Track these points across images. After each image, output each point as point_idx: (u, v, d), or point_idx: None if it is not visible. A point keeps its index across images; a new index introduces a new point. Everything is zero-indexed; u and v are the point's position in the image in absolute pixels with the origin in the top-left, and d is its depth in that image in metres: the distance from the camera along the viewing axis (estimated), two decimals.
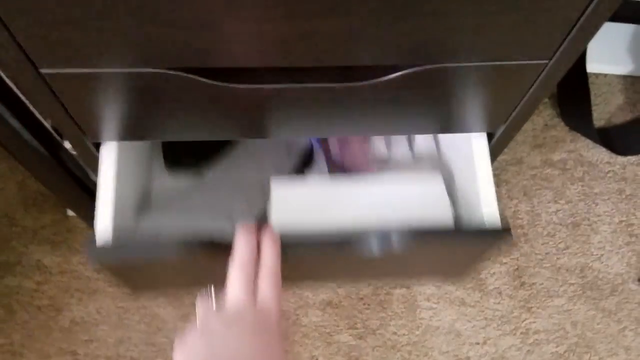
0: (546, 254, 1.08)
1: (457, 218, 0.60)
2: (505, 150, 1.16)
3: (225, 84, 0.46)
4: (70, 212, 1.09)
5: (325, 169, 0.68)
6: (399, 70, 0.46)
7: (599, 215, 1.10)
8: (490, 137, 0.59)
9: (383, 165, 0.69)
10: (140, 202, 0.65)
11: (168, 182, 0.68)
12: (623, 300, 1.05)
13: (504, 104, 0.52)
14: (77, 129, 0.53)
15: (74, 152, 0.71)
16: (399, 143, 0.69)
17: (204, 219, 0.61)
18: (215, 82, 0.46)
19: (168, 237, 0.49)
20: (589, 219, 1.10)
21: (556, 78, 0.49)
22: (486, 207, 0.55)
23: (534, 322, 1.04)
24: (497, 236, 0.51)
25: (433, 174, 0.64)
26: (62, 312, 1.04)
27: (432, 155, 0.70)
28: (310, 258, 0.53)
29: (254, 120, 0.53)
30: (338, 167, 0.63)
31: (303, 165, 0.67)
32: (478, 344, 1.01)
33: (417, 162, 0.70)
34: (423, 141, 0.69)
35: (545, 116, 1.18)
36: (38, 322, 1.04)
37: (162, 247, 0.49)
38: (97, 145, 0.58)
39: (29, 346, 1.02)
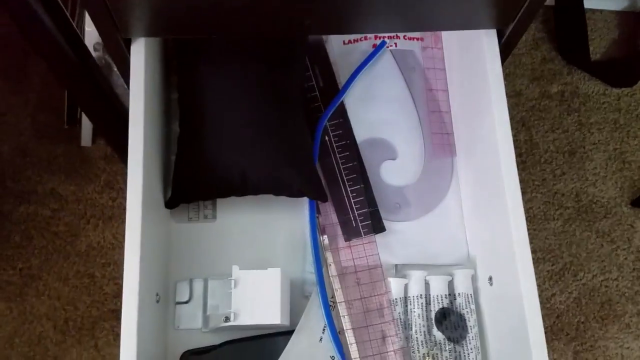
0: (543, 180, 1.13)
1: None
2: (504, 82, 1.20)
3: None
4: (84, 143, 1.12)
5: None
6: None
7: (594, 144, 1.15)
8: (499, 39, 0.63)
9: None
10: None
11: None
12: (616, 222, 1.10)
13: None
14: (111, 23, 0.56)
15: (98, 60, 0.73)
16: None
17: None
18: None
19: None
20: (584, 147, 1.15)
21: None
22: None
23: (531, 244, 1.08)
24: None
25: None
26: (79, 238, 1.08)
27: None
28: None
29: (281, 14, 0.56)
30: None
31: None
32: None
33: None
34: None
35: (543, 50, 1.21)
36: (55, 247, 1.08)
37: None
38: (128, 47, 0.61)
39: (47, 269, 1.06)
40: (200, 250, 0.67)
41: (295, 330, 0.62)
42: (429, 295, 0.65)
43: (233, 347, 0.62)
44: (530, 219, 1.10)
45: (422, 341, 0.62)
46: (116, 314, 1.04)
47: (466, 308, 0.63)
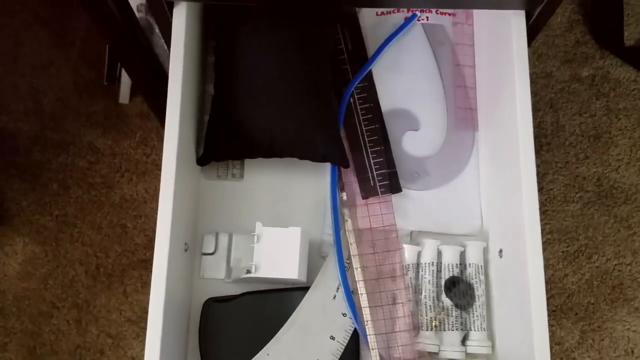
0: (566, 162, 1.14)
1: None
2: (536, 63, 1.21)
3: None
4: (122, 100, 1.17)
5: None
6: None
7: (620, 130, 1.16)
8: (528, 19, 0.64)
9: None
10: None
11: None
12: (635, 209, 1.11)
13: None
14: None
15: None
16: None
17: None
18: None
19: None
20: (610, 133, 1.15)
21: None
22: None
23: (548, 224, 1.11)
24: None
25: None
26: (113, 190, 1.13)
27: None
28: None
29: None
30: None
31: None
32: None
33: None
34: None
35: (577, 32, 1.21)
36: (90, 197, 1.13)
37: None
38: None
39: (82, 218, 1.12)
40: (227, 207, 0.71)
41: (311, 287, 0.66)
42: (441, 263, 0.68)
43: (252, 298, 0.67)
44: (550, 200, 1.12)
45: (430, 306, 0.66)
46: (145, 264, 1.10)
47: (475, 278, 0.67)
